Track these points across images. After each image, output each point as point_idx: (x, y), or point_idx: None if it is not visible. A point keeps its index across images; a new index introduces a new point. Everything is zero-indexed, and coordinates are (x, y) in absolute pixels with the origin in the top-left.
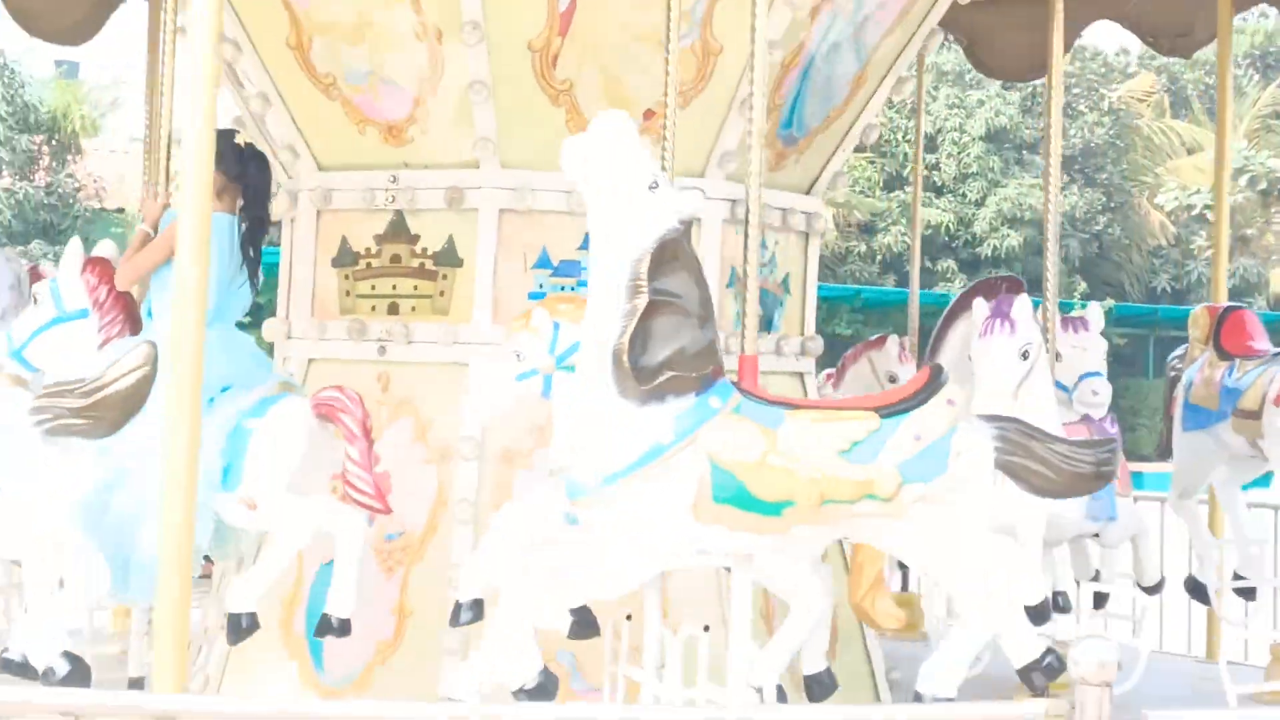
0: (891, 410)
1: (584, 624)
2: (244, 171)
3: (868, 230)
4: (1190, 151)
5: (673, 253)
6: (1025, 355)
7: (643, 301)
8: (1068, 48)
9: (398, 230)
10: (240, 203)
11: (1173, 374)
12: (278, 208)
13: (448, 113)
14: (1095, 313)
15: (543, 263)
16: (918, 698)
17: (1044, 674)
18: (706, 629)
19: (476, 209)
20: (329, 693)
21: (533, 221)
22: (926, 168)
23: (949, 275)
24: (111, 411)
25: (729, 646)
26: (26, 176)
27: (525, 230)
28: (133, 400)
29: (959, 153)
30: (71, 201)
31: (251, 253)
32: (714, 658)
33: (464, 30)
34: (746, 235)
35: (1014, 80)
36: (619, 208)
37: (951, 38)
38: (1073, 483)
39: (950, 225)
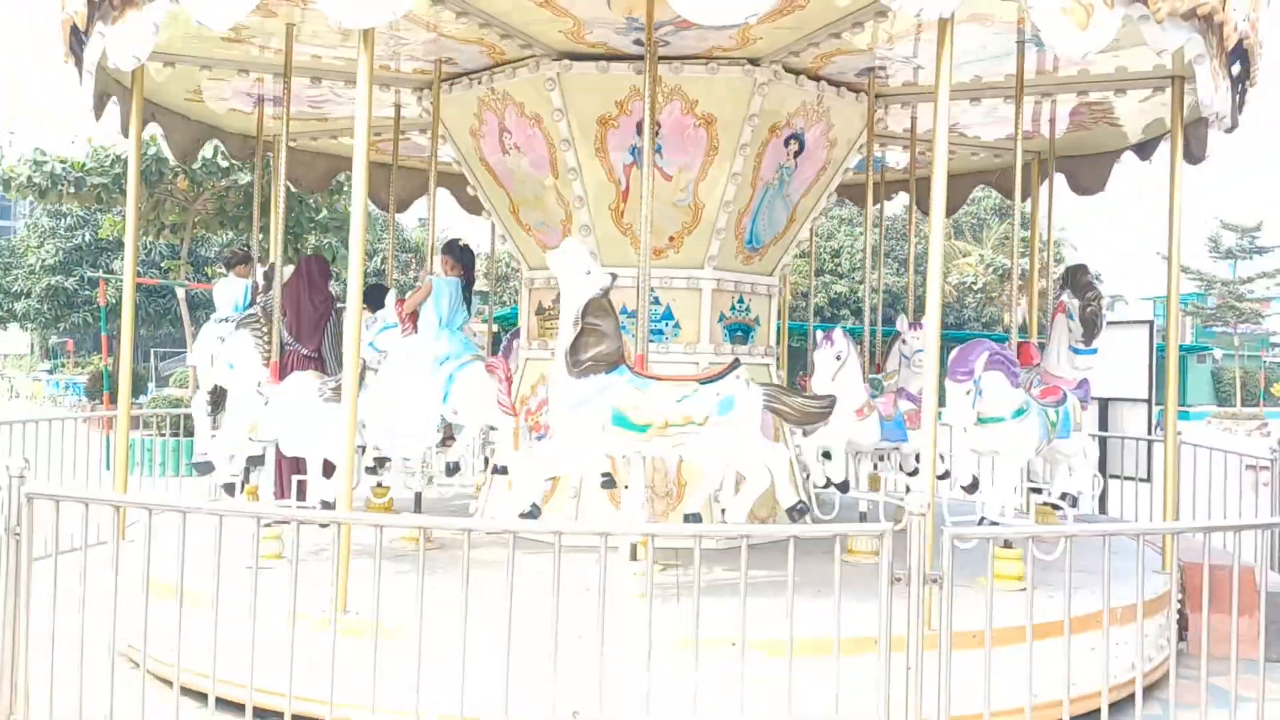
0: (706, 381)
1: (609, 482)
2: (462, 259)
3: (804, 295)
4: (964, 255)
5: (597, 304)
6: (838, 358)
7: (579, 328)
8: (967, 198)
9: (558, 298)
10: (460, 271)
11: None
12: (520, 289)
13: (575, 239)
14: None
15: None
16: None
17: (797, 512)
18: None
19: None
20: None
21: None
22: (834, 262)
23: (847, 318)
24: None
25: (628, 490)
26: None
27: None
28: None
29: (852, 255)
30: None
31: (465, 296)
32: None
33: (576, 201)
34: (638, 294)
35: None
36: (571, 282)
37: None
38: (805, 418)
39: (847, 293)
